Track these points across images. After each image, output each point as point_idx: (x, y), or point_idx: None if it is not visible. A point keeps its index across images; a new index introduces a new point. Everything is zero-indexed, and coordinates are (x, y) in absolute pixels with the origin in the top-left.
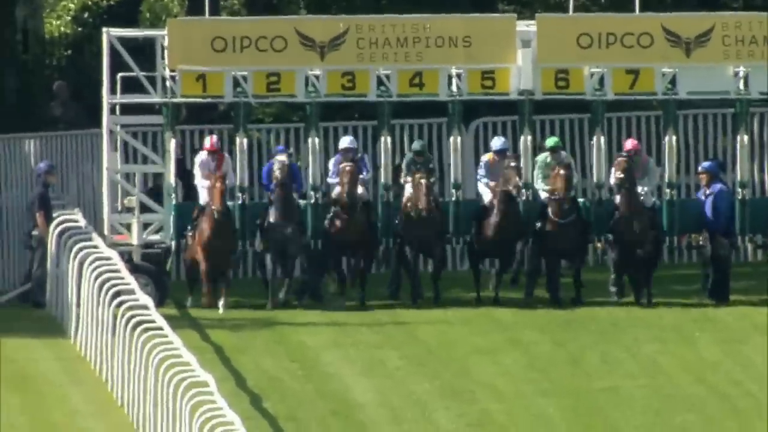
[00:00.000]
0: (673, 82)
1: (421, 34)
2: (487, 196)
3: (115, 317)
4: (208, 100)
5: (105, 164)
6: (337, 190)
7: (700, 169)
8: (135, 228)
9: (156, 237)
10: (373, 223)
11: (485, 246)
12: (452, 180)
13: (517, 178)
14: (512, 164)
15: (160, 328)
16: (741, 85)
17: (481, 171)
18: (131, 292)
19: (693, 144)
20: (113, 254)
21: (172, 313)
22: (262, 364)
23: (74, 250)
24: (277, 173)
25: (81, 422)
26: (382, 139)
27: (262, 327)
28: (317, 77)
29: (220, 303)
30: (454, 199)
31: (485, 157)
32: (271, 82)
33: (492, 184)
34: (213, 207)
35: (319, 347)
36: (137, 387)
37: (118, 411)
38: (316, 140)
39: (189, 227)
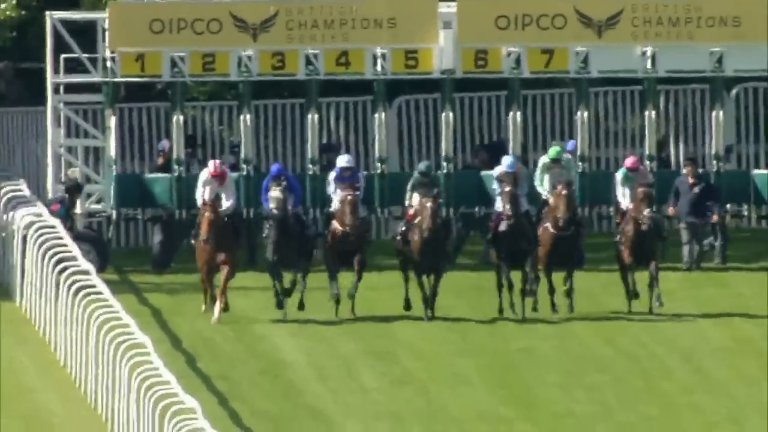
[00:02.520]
0: (585, 61)
1: (348, 15)
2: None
3: (58, 282)
4: (147, 79)
5: (49, 139)
6: (336, 206)
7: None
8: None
9: (98, 206)
10: (367, 238)
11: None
12: (377, 155)
13: (508, 206)
14: (507, 189)
15: (101, 293)
16: (649, 64)
17: (495, 185)
18: (74, 258)
19: (603, 120)
20: (56, 222)
21: (113, 279)
22: (197, 327)
23: (18, 218)
24: (274, 211)
25: (25, 381)
26: (310, 116)
27: (197, 291)
28: (249, 57)
29: (215, 312)
30: (379, 172)
31: (496, 172)
32: (207, 62)
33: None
34: (202, 237)
35: (250, 310)
36: (79, 348)
37: (60, 371)
38: (249, 117)
39: (193, 232)
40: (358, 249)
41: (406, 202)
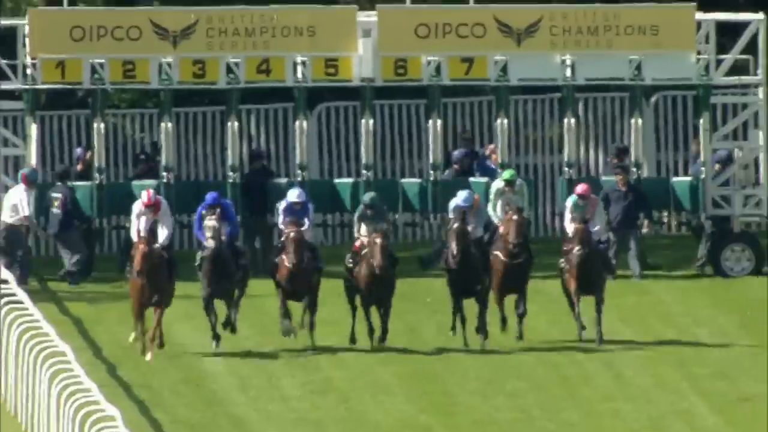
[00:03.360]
0: (504, 69)
1: (268, 24)
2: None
3: None
4: (67, 86)
5: None
6: (284, 235)
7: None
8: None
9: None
10: (318, 267)
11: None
12: (298, 161)
13: (454, 244)
14: (455, 225)
15: (21, 302)
16: (568, 72)
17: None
18: None
19: (523, 127)
20: None
21: (33, 287)
22: (118, 335)
23: None
24: (209, 241)
25: None
26: (230, 123)
27: (117, 300)
28: (170, 65)
29: (148, 355)
30: (299, 179)
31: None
32: (127, 69)
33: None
34: (136, 268)
35: (171, 319)
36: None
37: None
38: (170, 125)
39: (127, 267)
40: (307, 288)
41: (355, 233)
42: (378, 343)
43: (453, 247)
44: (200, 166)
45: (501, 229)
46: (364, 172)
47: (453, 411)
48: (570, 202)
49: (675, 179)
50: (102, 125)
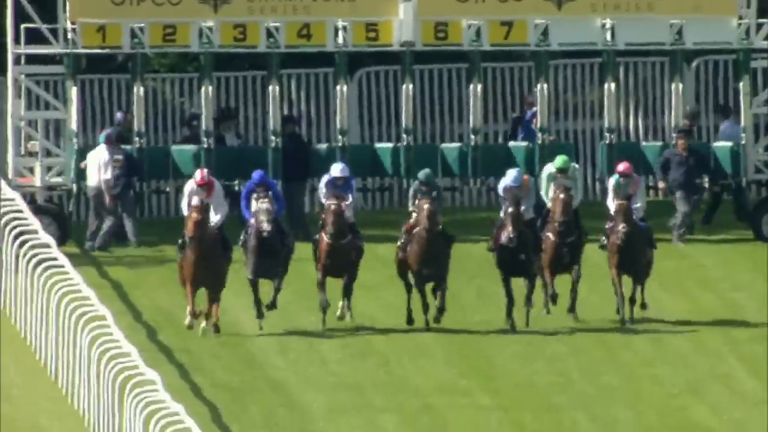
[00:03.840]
0: (545, 33)
1: None
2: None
3: (17, 255)
4: (108, 50)
5: (10, 111)
6: (325, 207)
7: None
8: (38, 171)
9: (58, 179)
10: (358, 245)
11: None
12: (338, 126)
13: (510, 227)
14: (510, 210)
15: (62, 266)
16: (608, 37)
17: (501, 193)
18: (34, 231)
19: (563, 92)
20: (16, 195)
21: (73, 252)
22: (157, 300)
23: None
24: (264, 224)
25: None
26: (271, 88)
27: (157, 264)
28: (210, 29)
29: (203, 324)
30: (340, 144)
31: (501, 185)
32: (167, 33)
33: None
34: (188, 235)
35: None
36: (40, 321)
37: (21, 343)
38: (210, 89)
39: (180, 244)
40: (346, 265)
41: (409, 208)
42: (434, 322)
43: (508, 230)
44: (241, 130)
45: (549, 208)
46: (404, 136)
47: (492, 375)
48: (612, 181)
49: (716, 144)
50: (142, 89)
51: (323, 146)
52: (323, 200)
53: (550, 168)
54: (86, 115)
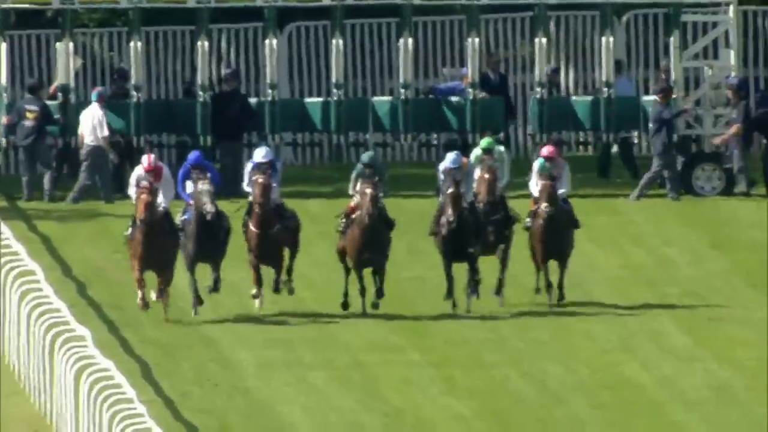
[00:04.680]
0: None
1: None
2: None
3: None
4: (36, 6)
5: None
6: (251, 184)
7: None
8: None
9: None
10: (288, 227)
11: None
12: (268, 81)
13: (450, 210)
14: (449, 191)
15: None
16: None
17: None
18: None
19: (494, 46)
20: None
21: (2, 205)
22: (87, 254)
23: None
24: (208, 207)
25: None
26: (199, 43)
27: (86, 218)
28: None
29: (154, 294)
30: (270, 99)
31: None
32: None
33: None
34: (139, 217)
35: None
36: None
37: None
38: (139, 44)
39: (130, 225)
40: (275, 255)
41: (350, 191)
42: (372, 307)
43: (448, 212)
44: (170, 85)
45: (474, 189)
46: (334, 91)
47: (423, 331)
48: (536, 164)
49: (645, 98)
50: (71, 44)
51: (253, 101)
52: (246, 188)
53: (476, 150)
54: (15, 71)
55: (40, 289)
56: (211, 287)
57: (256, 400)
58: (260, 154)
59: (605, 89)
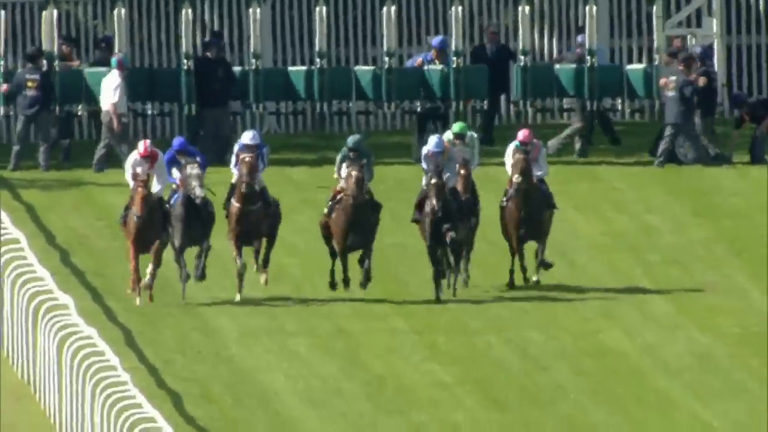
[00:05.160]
0: None
1: None
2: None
3: None
4: None
5: None
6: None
7: None
8: None
9: None
10: (268, 213)
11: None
12: (252, 50)
13: (434, 199)
14: (433, 181)
15: None
16: None
17: (423, 163)
18: None
19: (477, 15)
20: None
21: None
22: (71, 223)
23: None
24: (197, 190)
25: None
26: (184, 10)
27: (69, 187)
28: None
29: (143, 283)
30: (253, 67)
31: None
32: None
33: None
34: (135, 213)
35: (123, 206)
36: None
37: None
38: (123, 12)
39: (122, 214)
40: (259, 231)
41: (335, 176)
42: (361, 289)
43: (432, 202)
44: (154, 53)
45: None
46: (317, 59)
47: (406, 298)
48: (511, 148)
49: (629, 67)
50: (55, 12)
51: (237, 69)
52: (233, 170)
53: (448, 134)
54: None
55: (24, 258)
56: (198, 274)
57: (238, 368)
58: (248, 137)
59: (588, 57)
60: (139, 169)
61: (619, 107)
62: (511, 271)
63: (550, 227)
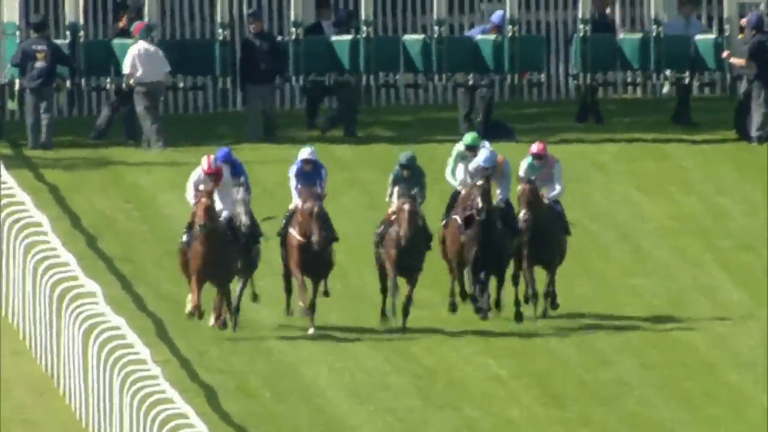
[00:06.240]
0: None
1: None
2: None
3: None
4: None
5: None
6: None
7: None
8: None
9: None
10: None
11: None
12: (292, 19)
13: (479, 199)
14: (478, 183)
15: None
16: None
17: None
18: None
19: None
20: None
21: (7, 153)
22: (97, 204)
23: None
24: (242, 218)
25: None
26: None
27: (96, 166)
28: None
29: (214, 319)
30: (293, 38)
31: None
32: None
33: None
34: (198, 223)
35: (154, 188)
36: None
37: None
38: None
39: (184, 237)
40: (320, 268)
41: (387, 198)
42: (402, 316)
43: (477, 202)
44: (186, 23)
45: (463, 194)
46: (363, 28)
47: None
48: (524, 164)
49: (698, 37)
50: None
51: (277, 39)
52: (294, 192)
53: (459, 146)
54: (29, 12)
55: (47, 242)
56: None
57: (278, 360)
58: (305, 152)
59: (654, 27)
60: (202, 187)
61: (687, 80)
62: (517, 302)
63: (565, 255)
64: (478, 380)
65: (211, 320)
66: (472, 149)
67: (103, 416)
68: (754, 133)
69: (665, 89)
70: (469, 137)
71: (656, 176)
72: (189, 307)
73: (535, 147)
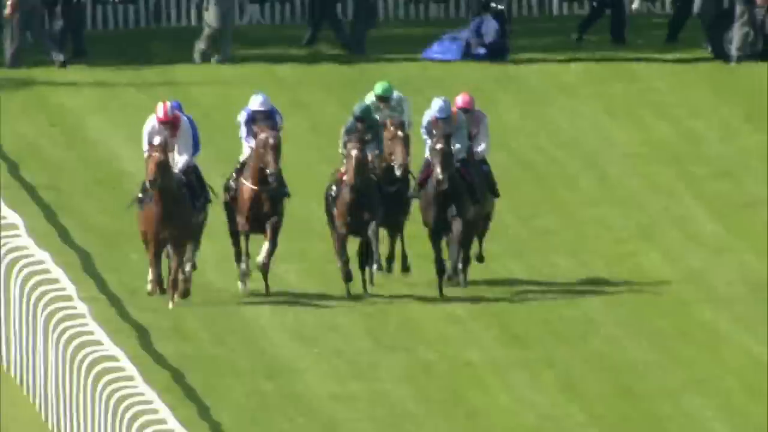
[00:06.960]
0: None
1: None
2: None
3: None
4: None
5: None
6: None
7: None
8: None
9: None
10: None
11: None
12: None
13: (439, 168)
14: (437, 147)
15: None
16: None
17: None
18: None
19: None
20: None
21: None
22: (19, 129)
23: None
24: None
25: None
26: None
27: (18, 87)
28: None
29: (171, 300)
30: None
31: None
32: None
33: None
34: (149, 178)
35: (82, 110)
36: None
37: None
38: None
39: (139, 195)
40: (273, 210)
41: (339, 150)
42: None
43: (437, 171)
44: None
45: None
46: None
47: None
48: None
49: None
50: None
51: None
52: (244, 141)
53: (369, 96)
54: None
55: None
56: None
57: (217, 299)
58: (257, 102)
59: None
60: (156, 138)
61: None
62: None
63: (491, 218)
64: (433, 320)
65: (170, 303)
66: (384, 99)
67: (25, 358)
68: (733, 51)
69: (635, 5)
70: (379, 86)
71: (625, 99)
72: (149, 286)
73: (460, 99)
